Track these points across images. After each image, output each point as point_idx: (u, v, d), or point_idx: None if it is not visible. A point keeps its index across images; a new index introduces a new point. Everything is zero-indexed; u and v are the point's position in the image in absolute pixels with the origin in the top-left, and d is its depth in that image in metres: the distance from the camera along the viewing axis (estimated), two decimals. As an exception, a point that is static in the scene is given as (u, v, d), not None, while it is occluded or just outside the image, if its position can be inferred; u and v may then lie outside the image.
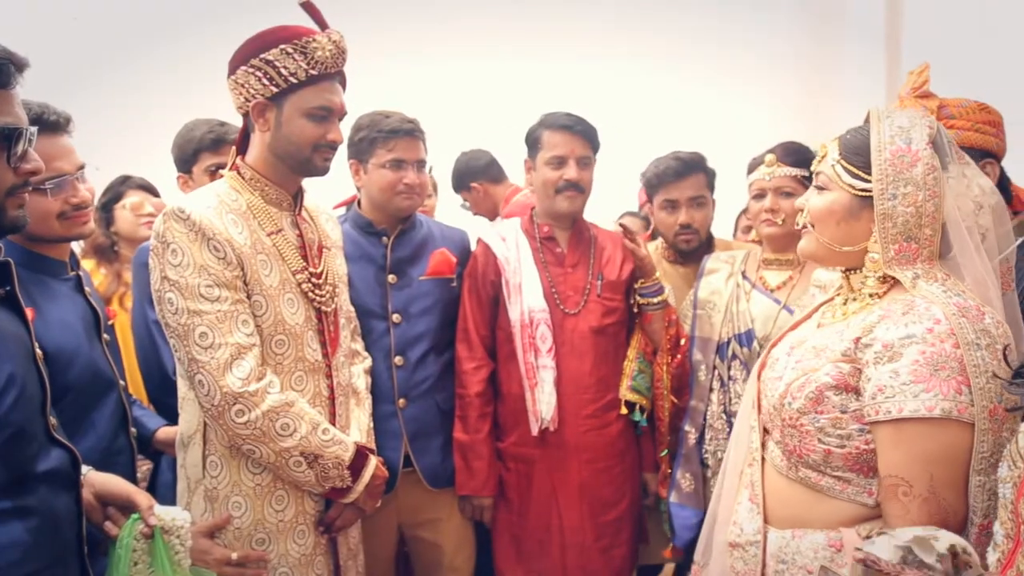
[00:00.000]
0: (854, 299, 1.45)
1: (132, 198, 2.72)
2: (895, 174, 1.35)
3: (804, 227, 1.49)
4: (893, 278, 1.39)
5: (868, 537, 1.32)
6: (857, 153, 1.41)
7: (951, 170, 1.37)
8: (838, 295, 1.53)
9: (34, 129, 1.25)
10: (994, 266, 1.39)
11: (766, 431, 1.52)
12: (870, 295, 1.41)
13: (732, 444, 1.63)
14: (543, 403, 2.21)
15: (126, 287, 2.56)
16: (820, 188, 1.46)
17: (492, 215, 3.64)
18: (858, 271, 1.45)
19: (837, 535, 1.36)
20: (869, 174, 1.38)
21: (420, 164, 2.26)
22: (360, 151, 2.25)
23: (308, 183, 1.86)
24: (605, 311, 2.31)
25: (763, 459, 1.52)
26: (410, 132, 2.23)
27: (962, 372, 1.24)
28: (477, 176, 3.68)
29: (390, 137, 2.20)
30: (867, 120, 1.43)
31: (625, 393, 2.30)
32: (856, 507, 1.36)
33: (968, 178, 1.38)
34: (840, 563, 1.34)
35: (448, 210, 3.82)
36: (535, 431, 2.23)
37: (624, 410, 2.30)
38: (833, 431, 1.36)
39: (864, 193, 1.39)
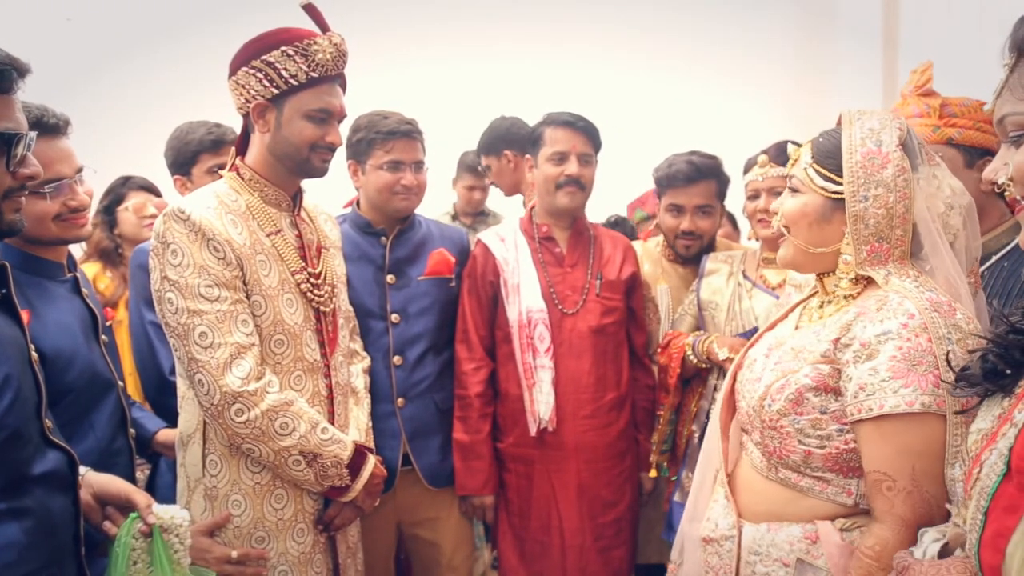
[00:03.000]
0: (829, 302, 1.45)
1: (134, 200, 2.71)
2: (866, 176, 1.36)
3: (779, 232, 1.49)
4: (866, 278, 1.39)
5: (845, 529, 1.34)
6: (829, 156, 1.41)
7: (921, 171, 1.38)
8: (814, 296, 1.53)
9: (33, 134, 1.25)
10: (966, 269, 1.40)
11: (744, 431, 1.52)
12: (845, 296, 1.41)
13: (706, 442, 1.63)
14: (541, 403, 2.22)
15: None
16: (793, 191, 1.47)
17: (511, 190, 3.34)
18: (832, 274, 1.45)
19: (813, 528, 1.37)
20: (841, 177, 1.38)
21: (418, 165, 2.26)
22: (358, 152, 2.25)
23: (307, 184, 1.87)
24: (604, 310, 2.31)
25: (739, 457, 1.53)
26: (408, 133, 2.23)
27: (938, 366, 1.25)
28: (513, 145, 3.19)
29: (388, 138, 2.20)
30: (839, 123, 1.43)
31: (656, 459, 2.34)
32: (834, 506, 1.37)
33: (939, 179, 1.39)
34: (815, 555, 1.35)
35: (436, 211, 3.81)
36: (533, 431, 2.23)
37: (653, 473, 2.35)
38: (813, 432, 1.36)
39: (836, 196, 1.39)
